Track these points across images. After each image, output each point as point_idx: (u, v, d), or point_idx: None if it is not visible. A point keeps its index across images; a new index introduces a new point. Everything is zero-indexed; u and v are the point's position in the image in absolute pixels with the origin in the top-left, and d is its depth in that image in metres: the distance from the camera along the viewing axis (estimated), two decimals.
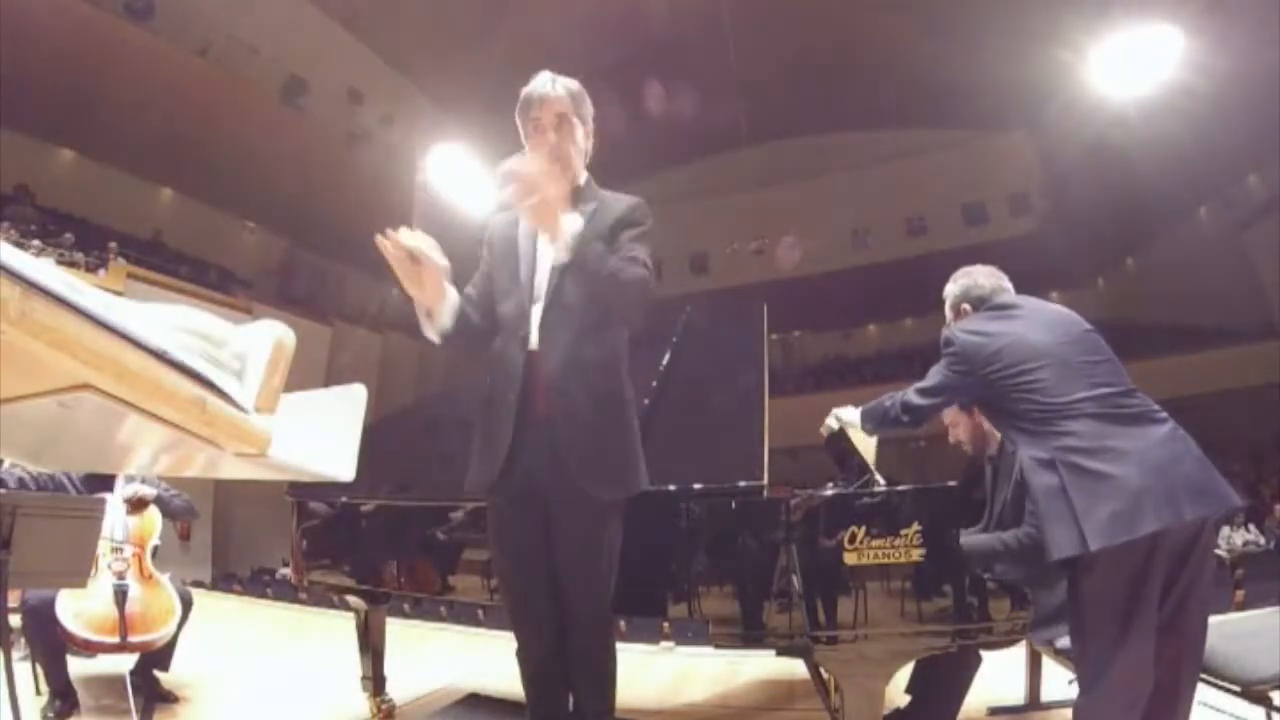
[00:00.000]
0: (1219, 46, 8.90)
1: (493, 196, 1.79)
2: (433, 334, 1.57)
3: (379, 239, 1.45)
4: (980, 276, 1.94)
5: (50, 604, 2.37)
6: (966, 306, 1.93)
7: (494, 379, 1.64)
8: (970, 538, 1.98)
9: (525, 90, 1.64)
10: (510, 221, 1.74)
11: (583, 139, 1.67)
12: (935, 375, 1.80)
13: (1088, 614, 1.50)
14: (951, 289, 1.98)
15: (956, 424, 2.31)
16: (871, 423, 1.91)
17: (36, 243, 9.30)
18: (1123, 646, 1.44)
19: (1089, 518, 1.42)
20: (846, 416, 1.96)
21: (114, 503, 2.66)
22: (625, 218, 1.61)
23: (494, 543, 1.72)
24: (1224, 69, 9.10)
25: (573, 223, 1.45)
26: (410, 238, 1.46)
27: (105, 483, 2.72)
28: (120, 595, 2.44)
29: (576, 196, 1.66)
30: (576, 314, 1.58)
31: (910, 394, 1.81)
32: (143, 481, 2.78)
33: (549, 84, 1.62)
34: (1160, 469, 1.46)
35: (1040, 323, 1.75)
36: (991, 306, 1.86)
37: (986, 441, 2.26)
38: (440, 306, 1.54)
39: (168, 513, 2.84)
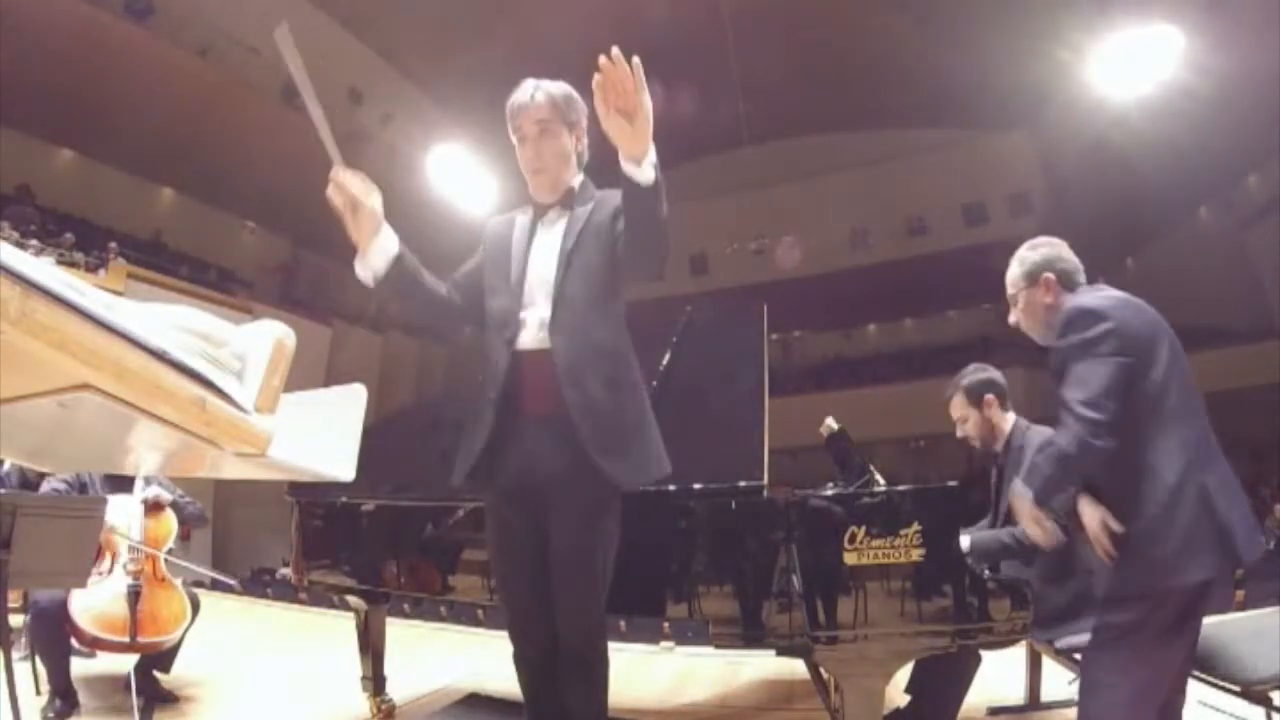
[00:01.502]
0: (1219, 46, 8.90)
1: (493, 195, 1.78)
2: (364, 274, 1.57)
3: (333, 176, 1.49)
4: (1064, 249, 1.67)
5: (61, 605, 2.39)
6: (1050, 276, 1.63)
7: (483, 378, 1.66)
8: (977, 535, 1.98)
9: (509, 101, 1.64)
10: (506, 221, 1.75)
11: (570, 143, 1.66)
12: (1094, 373, 1.40)
13: (1148, 622, 1.42)
14: (1029, 256, 1.68)
15: (966, 419, 2.29)
16: (1041, 485, 1.47)
17: (35, 243, 9.30)
18: (1170, 653, 1.43)
19: (1230, 536, 1.37)
20: (1020, 494, 1.53)
21: (132, 504, 2.69)
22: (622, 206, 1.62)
23: (490, 543, 1.72)
24: (1224, 69, 9.09)
25: (653, 148, 1.39)
26: (353, 181, 1.50)
27: (124, 484, 2.74)
28: (133, 596, 2.46)
29: (571, 199, 1.67)
30: (583, 303, 1.58)
31: (1079, 414, 1.38)
32: (159, 485, 2.80)
33: (528, 93, 1.62)
34: (1245, 501, 1.45)
35: (1152, 318, 1.49)
36: (1096, 286, 1.58)
37: (995, 438, 2.26)
38: (372, 245, 1.54)
39: (181, 518, 2.87)
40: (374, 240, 1.54)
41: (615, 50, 1.27)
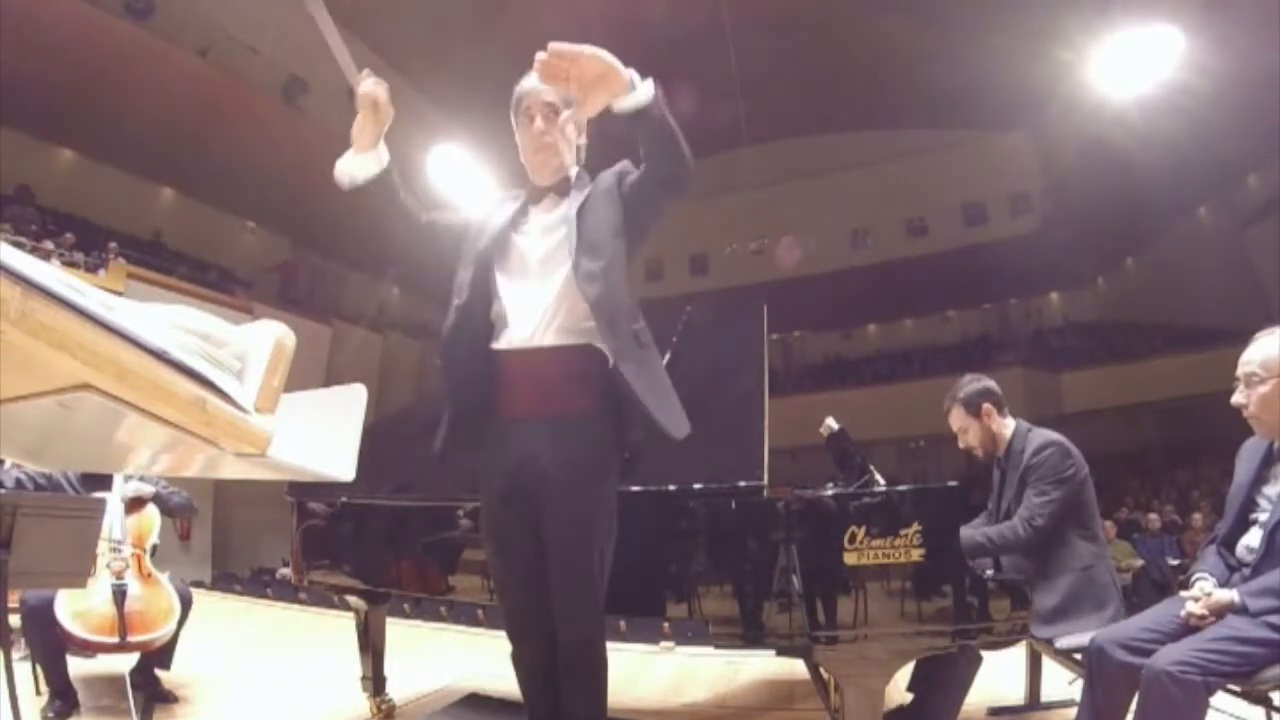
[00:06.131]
0: (1219, 46, 8.90)
1: (492, 195, 1.77)
2: (343, 172, 1.62)
3: (363, 88, 1.59)
4: None
5: (49, 604, 2.36)
6: None
7: (453, 372, 1.64)
8: (961, 531, 2.00)
9: (517, 86, 1.65)
10: (496, 201, 1.75)
11: (573, 134, 1.67)
12: None
13: None
14: None
15: (966, 430, 2.30)
16: None
17: (48, 243, 9.31)
18: None
19: None
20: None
21: (112, 501, 2.65)
22: (620, 170, 1.64)
23: (487, 543, 1.71)
24: (1224, 69, 9.09)
25: (634, 73, 1.42)
26: (376, 84, 1.60)
27: (103, 482, 2.71)
28: (119, 595, 2.43)
29: (567, 187, 1.67)
30: (603, 258, 1.57)
31: None
32: (141, 480, 2.78)
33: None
34: None
35: None
36: None
37: (997, 445, 2.27)
38: (368, 153, 1.61)
39: (166, 510, 2.83)
40: (371, 150, 1.61)
41: (538, 55, 1.37)
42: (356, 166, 1.61)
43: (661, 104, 1.42)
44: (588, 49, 1.36)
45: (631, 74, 1.39)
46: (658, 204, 1.61)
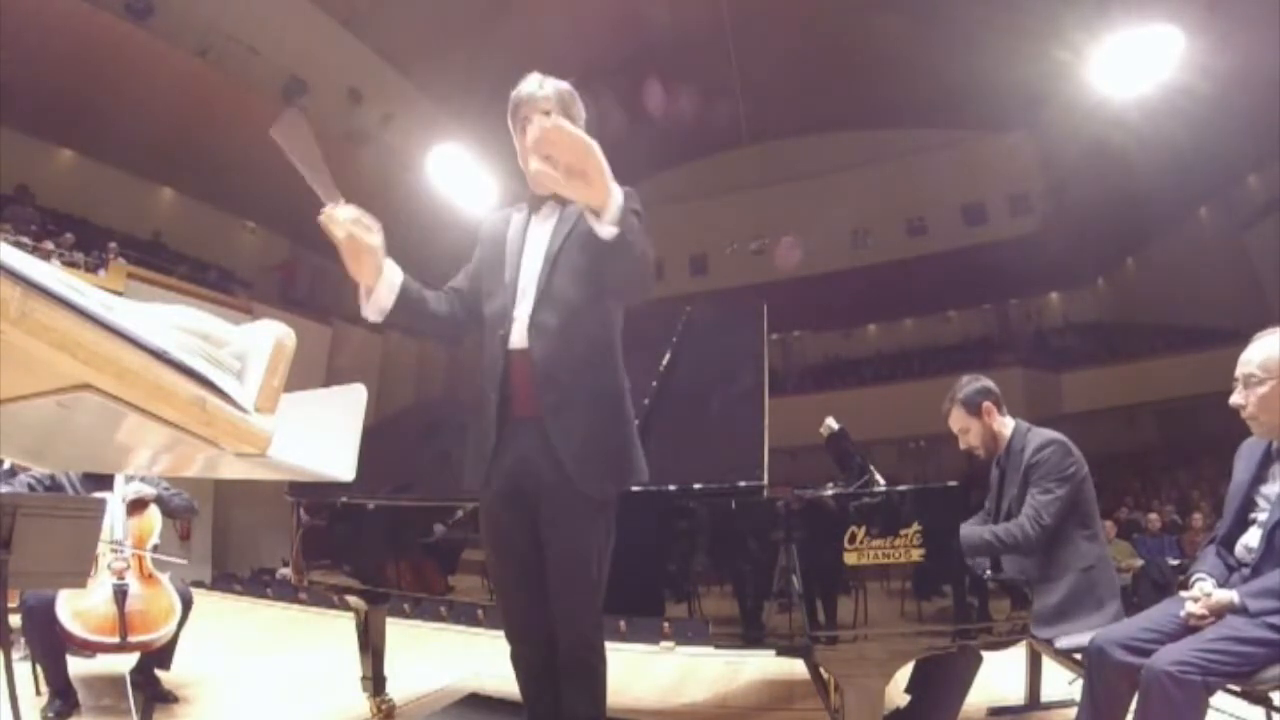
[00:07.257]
0: (1220, 47, 8.90)
1: (492, 195, 1.78)
2: (371, 313, 1.59)
3: (321, 217, 1.47)
4: None
5: (49, 604, 2.36)
6: None
7: (481, 380, 1.65)
8: (964, 529, 2.00)
9: (514, 92, 1.64)
10: (502, 219, 1.75)
11: None
12: None
13: None
14: None
15: (967, 430, 2.29)
16: None
17: (48, 243, 9.31)
18: None
19: None
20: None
21: (113, 502, 2.65)
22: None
23: (486, 544, 1.72)
24: (1225, 70, 9.09)
25: (618, 194, 1.37)
26: (346, 212, 1.48)
27: (104, 482, 2.71)
28: (120, 595, 2.43)
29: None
30: (569, 305, 1.57)
31: None
32: (142, 481, 2.78)
33: (536, 84, 1.62)
34: None
35: None
36: None
37: (996, 444, 2.27)
38: (378, 283, 1.56)
39: (167, 511, 2.83)
40: (379, 279, 1.55)
41: (549, 119, 1.36)
42: (374, 305, 1.58)
43: (623, 248, 1.38)
44: (595, 148, 1.31)
45: (612, 205, 1.35)
46: (614, 298, 1.61)
